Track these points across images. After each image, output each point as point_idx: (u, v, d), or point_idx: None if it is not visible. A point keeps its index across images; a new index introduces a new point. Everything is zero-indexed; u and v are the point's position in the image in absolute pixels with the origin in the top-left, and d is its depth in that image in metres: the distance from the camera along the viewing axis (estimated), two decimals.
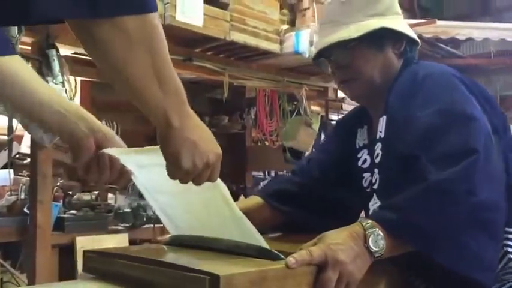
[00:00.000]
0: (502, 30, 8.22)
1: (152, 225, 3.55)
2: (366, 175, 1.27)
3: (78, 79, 4.05)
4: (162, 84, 0.84)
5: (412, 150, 1.04)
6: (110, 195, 3.92)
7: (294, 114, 5.23)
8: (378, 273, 1.02)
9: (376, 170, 1.22)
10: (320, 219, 1.21)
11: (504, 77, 9.44)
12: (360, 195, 1.29)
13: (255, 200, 1.40)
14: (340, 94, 6.38)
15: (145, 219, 3.52)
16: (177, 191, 1.04)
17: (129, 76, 0.82)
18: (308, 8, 4.86)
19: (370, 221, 0.97)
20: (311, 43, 4.49)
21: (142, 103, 0.86)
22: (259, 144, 5.88)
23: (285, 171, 6.41)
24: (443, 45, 8.93)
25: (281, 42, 4.46)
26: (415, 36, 1.27)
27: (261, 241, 0.97)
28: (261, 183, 5.90)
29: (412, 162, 1.01)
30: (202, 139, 0.92)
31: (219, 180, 1.01)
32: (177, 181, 0.94)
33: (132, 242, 3.39)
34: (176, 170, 0.91)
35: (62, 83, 3.00)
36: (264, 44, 4.29)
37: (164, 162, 0.92)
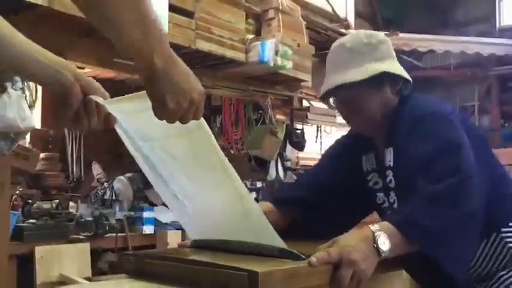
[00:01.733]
0: (462, 43, 8.47)
1: (115, 234, 3.49)
2: (380, 195, 1.52)
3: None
4: (146, 27, 0.89)
5: (414, 176, 1.26)
6: (71, 203, 3.84)
7: (260, 123, 5.24)
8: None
9: (392, 193, 1.46)
10: (321, 225, 1.38)
11: (463, 89, 9.73)
12: (375, 209, 1.58)
13: (265, 205, 1.52)
14: (305, 103, 6.46)
15: (107, 228, 3.46)
16: (162, 136, 1.09)
17: (113, 17, 0.88)
18: (273, 18, 4.92)
19: (377, 225, 1.13)
20: (276, 52, 4.53)
21: (126, 46, 0.91)
22: (224, 152, 5.88)
23: (250, 180, 6.43)
24: (406, 57, 9.15)
25: (246, 51, 4.48)
26: (409, 77, 1.46)
27: (278, 241, 1.10)
28: None
29: (415, 185, 1.23)
30: (186, 79, 0.96)
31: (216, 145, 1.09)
32: (163, 127, 0.99)
33: (94, 252, 3.33)
34: (162, 111, 0.95)
35: (22, 89, 2.93)
36: (230, 53, 4.31)
37: (150, 107, 0.96)
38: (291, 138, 5.60)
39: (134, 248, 3.59)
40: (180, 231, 3.92)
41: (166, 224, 3.94)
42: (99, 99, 1.02)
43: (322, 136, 7.17)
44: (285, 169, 5.47)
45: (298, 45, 4.96)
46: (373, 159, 1.54)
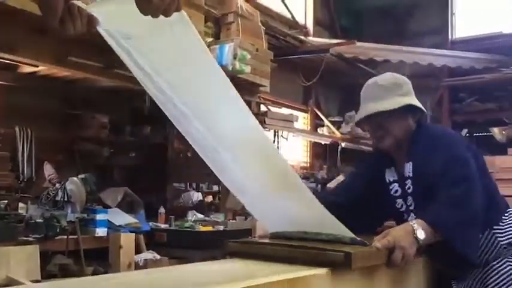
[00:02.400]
0: (416, 54, 8.72)
1: (66, 237, 3.42)
2: (399, 201, 1.91)
3: None
4: None
5: (434, 181, 1.68)
6: (21, 204, 3.73)
7: None
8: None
9: (409, 198, 1.86)
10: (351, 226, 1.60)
11: (416, 98, 9.98)
12: (393, 213, 1.94)
13: None
14: (263, 108, 6.48)
15: (58, 230, 3.38)
16: (145, 32, 1.19)
17: None
18: (233, 22, 4.93)
19: (415, 222, 1.55)
20: (235, 56, 4.55)
21: None
22: (181, 155, 5.83)
23: (206, 184, 6.39)
24: (363, 66, 9.33)
25: None
26: (425, 109, 1.92)
27: (347, 232, 1.46)
28: (182, 195, 5.84)
29: (436, 188, 1.65)
30: None
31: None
32: (145, 23, 1.09)
33: (43, 254, 3.24)
34: (147, 6, 1.04)
35: None
36: None
37: (131, 5, 1.04)
38: None
39: (85, 251, 3.52)
40: (134, 234, 3.88)
41: (120, 226, 3.89)
42: (81, 3, 1.09)
43: (279, 141, 7.24)
44: None
45: (257, 50, 5.00)
46: (394, 171, 1.93)
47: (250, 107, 5.57)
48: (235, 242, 1.55)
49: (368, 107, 1.87)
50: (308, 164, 8.84)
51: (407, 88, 1.89)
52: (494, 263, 1.79)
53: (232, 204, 5.30)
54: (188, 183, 6.02)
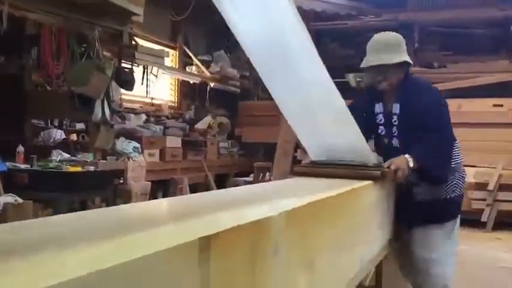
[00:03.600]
0: None
1: None
2: (381, 127, 2.58)
3: None
4: None
5: (417, 120, 2.38)
6: None
7: (84, 58, 4.72)
8: None
9: (394, 128, 2.53)
10: None
11: None
12: (375, 135, 2.62)
13: None
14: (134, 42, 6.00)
15: None
16: None
17: None
18: None
19: (409, 156, 2.28)
20: None
21: None
22: (40, 88, 5.21)
23: (68, 121, 5.83)
24: None
25: None
26: (411, 62, 2.53)
27: (372, 156, 2.18)
28: (42, 133, 5.27)
29: (423, 127, 2.37)
30: None
31: None
32: None
33: None
34: None
35: None
36: None
37: None
38: (119, 77, 5.16)
39: None
40: None
41: None
42: None
43: (149, 79, 6.83)
44: (112, 110, 5.04)
45: None
46: (382, 106, 2.57)
47: (121, 38, 5.11)
48: (300, 166, 2.33)
49: (373, 57, 2.43)
50: (176, 104, 8.55)
51: (404, 46, 2.48)
52: (448, 183, 2.58)
53: (102, 143, 4.90)
54: (49, 120, 5.44)
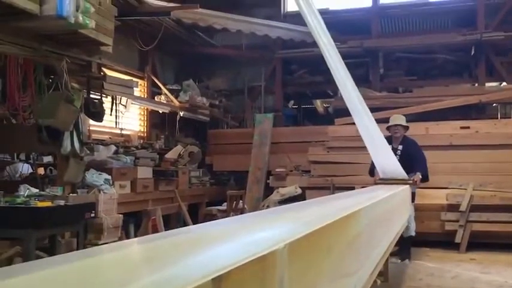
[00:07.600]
0: (253, 24, 8.77)
1: None
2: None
3: None
4: None
5: (413, 157, 5.71)
6: None
7: (52, 89, 4.61)
8: None
9: (398, 157, 5.43)
10: None
11: (252, 69, 10.14)
12: None
13: None
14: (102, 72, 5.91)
15: None
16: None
17: None
18: None
19: (418, 172, 5.58)
20: (77, 8, 4.00)
21: None
22: (4, 122, 5.04)
23: (35, 154, 5.65)
24: (200, 33, 9.12)
25: (41, 3, 3.84)
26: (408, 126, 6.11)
27: (404, 173, 5.20)
28: (8, 168, 5.09)
29: (415, 160, 5.70)
30: None
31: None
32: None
33: None
34: None
35: None
36: (21, 2, 3.65)
37: None
38: (89, 108, 5.05)
39: None
40: None
41: None
42: None
43: (118, 109, 6.73)
44: (81, 142, 4.91)
45: (100, 4, 4.47)
46: (392, 146, 5.46)
47: (90, 68, 5.02)
48: (377, 181, 5.10)
49: (398, 120, 5.81)
50: (145, 134, 8.43)
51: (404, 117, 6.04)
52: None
53: (71, 176, 4.75)
54: (15, 154, 5.26)
